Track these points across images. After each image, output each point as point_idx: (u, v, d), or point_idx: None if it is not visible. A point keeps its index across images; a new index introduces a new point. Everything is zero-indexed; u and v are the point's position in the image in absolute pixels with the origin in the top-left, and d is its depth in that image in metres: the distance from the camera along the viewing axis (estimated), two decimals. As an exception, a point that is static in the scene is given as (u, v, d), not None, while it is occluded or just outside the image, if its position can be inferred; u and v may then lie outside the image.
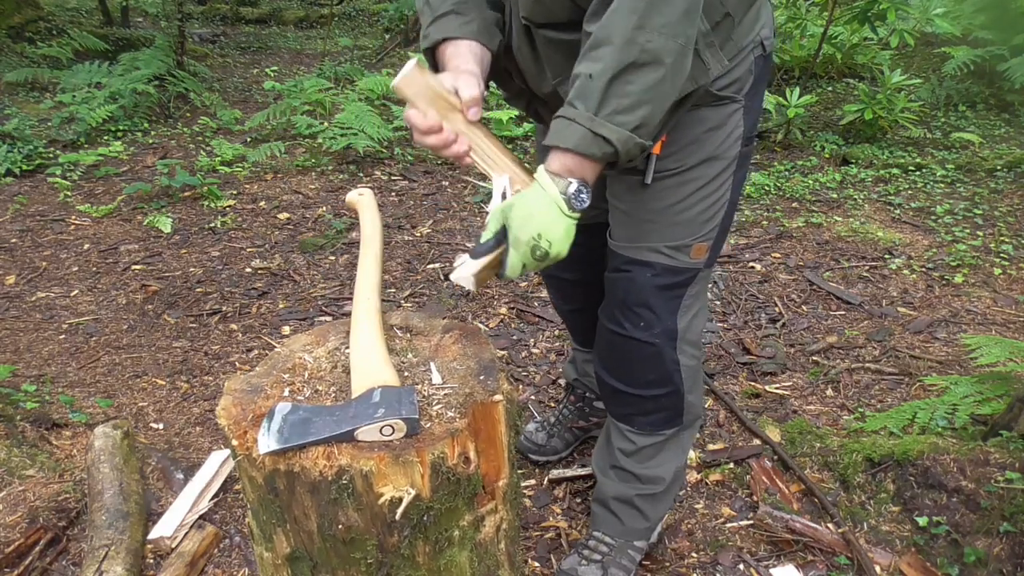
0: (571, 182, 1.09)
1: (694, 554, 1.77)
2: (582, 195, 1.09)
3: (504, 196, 1.18)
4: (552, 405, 2.33)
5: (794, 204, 3.90)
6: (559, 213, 1.09)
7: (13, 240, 3.54)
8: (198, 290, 3.08)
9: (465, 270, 1.11)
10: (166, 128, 5.21)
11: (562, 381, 2.36)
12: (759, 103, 1.38)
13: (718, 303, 2.93)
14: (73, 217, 3.79)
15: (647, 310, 1.41)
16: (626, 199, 1.39)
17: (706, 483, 1.98)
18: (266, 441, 1.00)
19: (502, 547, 1.19)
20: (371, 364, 1.12)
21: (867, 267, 3.20)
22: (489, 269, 1.13)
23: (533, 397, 2.38)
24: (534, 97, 1.39)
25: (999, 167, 4.20)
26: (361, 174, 4.38)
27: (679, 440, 1.61)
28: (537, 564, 1.75)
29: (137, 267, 3.29)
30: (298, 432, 1.01)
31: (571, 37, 1.17)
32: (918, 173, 4.24)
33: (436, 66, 1.25)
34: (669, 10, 1.00)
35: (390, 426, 1.01)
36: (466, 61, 1.20)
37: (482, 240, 1.13)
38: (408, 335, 1.30)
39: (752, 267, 3.22)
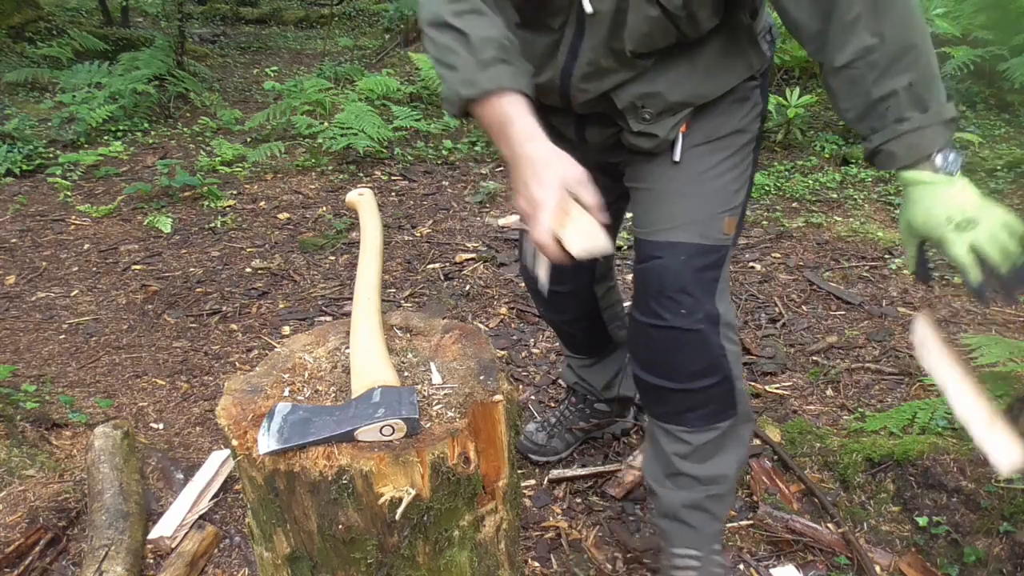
0: (933, 158, 1.09)
1: (694, 554, 1.77)
2: (953, 156, 1.09)
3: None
4: (552, 405, 2.33)
5: (794, 204, 3.90)
6: (948, 185, 1.08)
7: (13, 240, 3.54)
8: (198, 290, 3.08)
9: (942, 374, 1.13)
10: (166, 128, 5.21)
11: (562, 381, 2.36)
12: (767, 84, 1.43)
13: (718, 303, 2.93)
14: (73, 217, 3.79)
15: (686, 295, 1.35)
16: (654, 178, 1.38)
17: (706, 483, 1.98)
18: (266, 441, 1.00)
19: (502, 547, 1.19)
20: (371, 364, 1.12)
21: (867, 267, 3.20)
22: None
23: (533, 397, 2.37)
24: (553, 111, 1.36)
25: (999, 167, 4.20)
26: (361, 174, 4.38)
27: (736, 433, 1.49)
28: (537, 564, 1.75)
29: (137, 267, 3.29)
30: (298, 432, 1.01)
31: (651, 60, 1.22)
32: (918, 173, 4.23)
33: (466, 113, 1.16)
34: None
35: (390, 426, 1.01)
36: (532, 123, 1.10)
37: (912, 267, 1.18)
38: (408, 335, 1.29)
39: (752, 267, 3.22)
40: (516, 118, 1.10)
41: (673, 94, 1.27)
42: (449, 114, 1.21)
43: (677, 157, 1.33)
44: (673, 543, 1.60)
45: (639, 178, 1.42)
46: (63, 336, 2.76)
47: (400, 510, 1.00)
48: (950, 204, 1.08)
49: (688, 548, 1.58)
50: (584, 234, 1.03)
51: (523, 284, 3.06)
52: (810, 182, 4.13)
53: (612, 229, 1.62)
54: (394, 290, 3.06)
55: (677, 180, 1.35)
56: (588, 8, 1.15)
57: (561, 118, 1.38)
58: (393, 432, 1.01)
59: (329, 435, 1.00)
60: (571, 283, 1.70)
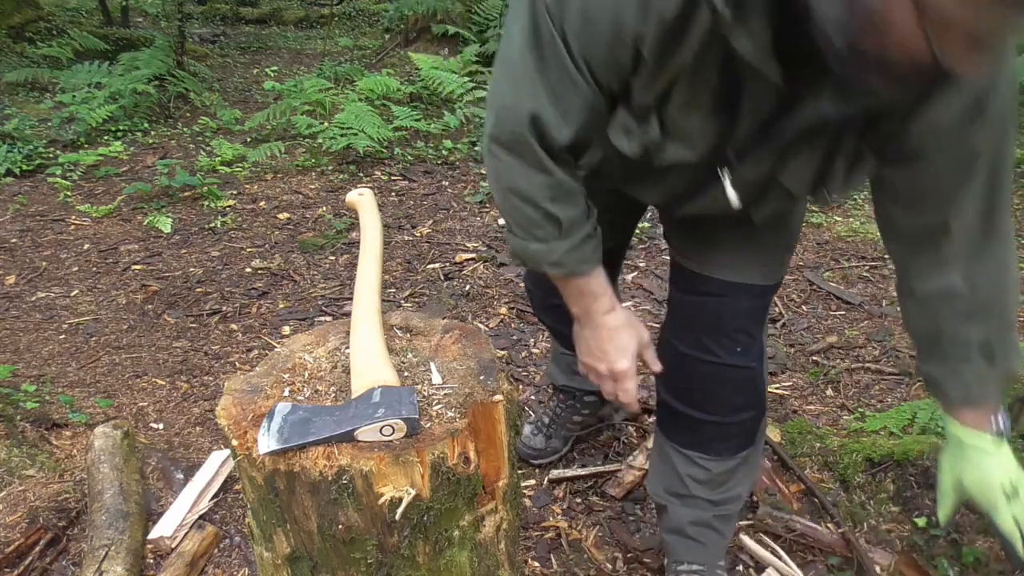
0: (991, 420, 1.10)
1: (694, 554, 1.77)
2: (1004, 418, 1.11)
3: None
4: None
5: (794, 204, 3.90)
6: (999, 451, 1.10)
7: (13, 240, 3.54)
8: (198, 290, 3.08)
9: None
10: (166, 128, 5.21)
11: (551, 381, 2.26)
12: None
13: (718, 303, 2.93)
14: (73, 217, 3.79)
15: (745, 334, 1.30)
16: (722, 222, 1.27)
17: (706, 483, 1.98)
18: (266, 441, 1.00)
19: (502, 547, 1.19)
20: (371, 364, 1.12)
21: (867, 267, 3.20)
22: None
23: (533, 397, 2.37)
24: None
25: (999, 167, 4.19)
26: (361, 174, 4.38)
27: (750, 459, 1.47)
28: (537, 564, 1.75)
29: (137, 267, 3.29)
30: (298, 432, 1.01)
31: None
32: (918, 173, 4.23)
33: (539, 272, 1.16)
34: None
35: (390, 426, 1.01)
36: (611, 295, 1.15)
37: (946, 520, 1.19)
38: (408, 335, 1.29)
39: (752, 267, 3.22)
40: (599, 294, 1.14)
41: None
42: (513, 263, 1.21)
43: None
44: (678, 557, 1.58)
45: (699, 216, 1.31)
46: (63, 336, 2.76)
47: (400, 510, 1.00)
48: (1002, 472, 1.09)
49: (693, 563, 1.57)
50: None
51: (523, 284, 3.06)
52: (810, 182, 4.13)
53: (624, 247, 1.62)
54: (394, 290, 3.06)
55: (751, 226, 1.25)
56: (735, 203, 1.07)
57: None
58: (393, 432, 1.01)
59: (329, 435, 1.00)
60: None
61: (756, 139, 0.99)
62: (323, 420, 1.03)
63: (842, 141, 0.99)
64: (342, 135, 4.41)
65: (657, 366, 1.24)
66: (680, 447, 1.44)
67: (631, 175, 1.18)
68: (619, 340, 1.15)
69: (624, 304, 2.98)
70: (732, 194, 1.05)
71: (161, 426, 2.27)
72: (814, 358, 2.55)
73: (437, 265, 3.28)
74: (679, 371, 1.36)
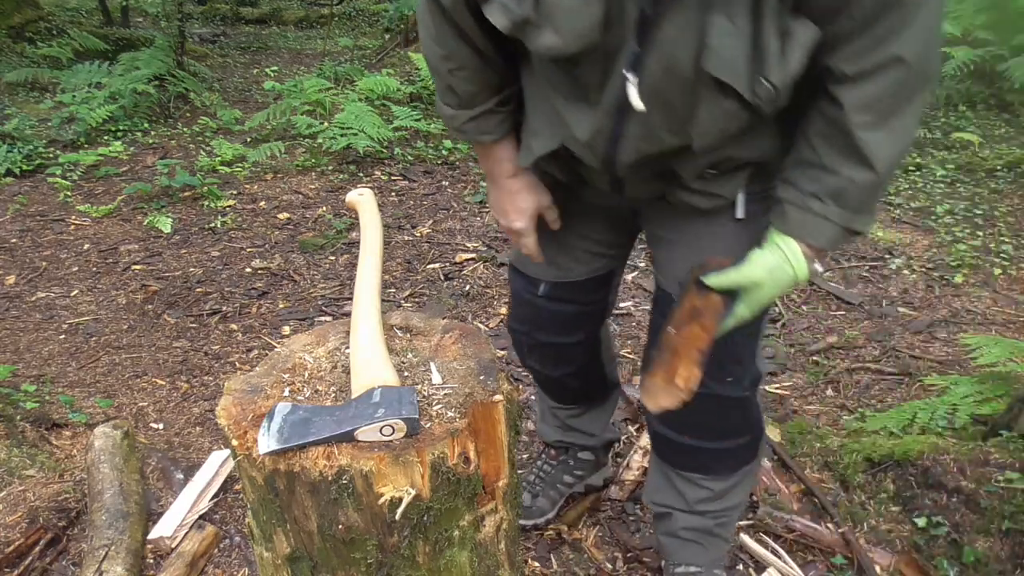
0: (816, 264, 1.11)
1: (694, 554, 1.76)
2: (818, 266, 1.12)
3: None
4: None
5: (794, 204, 3.89)
6: (792, 283, 1.11)
7: (13, 240, 3.54)
8: (198, 290, 3.08)
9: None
10: (166, 128, 5.21)
11: (540, 439, 1.98)
12: None
13: (718, 303, 2.92)
14: (73, 217, 3.79)
15: (736, 364, 1.27)
16: (710, 237, 1.21)
17: (706, 483, 1.98)
18: (266, 441, 1.00)
19: (502, 547, 1.19)
20: (371, 364, 1.12)
21: (867, 267, 3.20)
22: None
23: (533, 397, 2.37)
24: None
25: (999, 167, 4.20)
26: (361, 174, 4.38)
27: (752, 472, 1.48)
28: (537, 564, 1.75)
29: (137, 267, 3.29)
30: (298, 432, 1.01)
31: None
32: (918, 173, 4.24)
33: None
34: (914, 126, 1.03)
35: (390, 426, 1.01)
36: (514, 162, 1.26)
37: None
38: (408, 335, 1.29)
39: (752, 267, 3.22)
40: (502, 159, 1.27)
41: (746, 153, 1.11)
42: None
43: (741, 214, 1.18)
44: (675, 559, 1.58)
45: (686, 233, 1.25)
46: (63, 336, 2.76)
47: (400, 510, 1.00)
48: (782, 277, 1.10)
49: (691, 565, 1.56)
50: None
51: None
52: (810, 182, 4.12)
53: (617, 272, 1.55)
54: (394, 290, 3.06)
55: (740, 240, 1.17)
56: (637, 105, 0.99)
57: (595, 174, 1.21)
58: (393, 432, 1.01)
59: (329, 435, 1.00)
60: (582, 331, 1.55)
61: (658, 6, 0.91)
62: (323, 420, 1.03)
63: (761, 6, 0.90)
64: (342, 135, 4.41)
65: (556, 225, 1.33)
66: (680, 469, 1.44)
67: (559, 91, 1.12)
68: (518, 202, 1.28)
69: (624, 304, 2.98)
70: (636, 99, 0.98)
71: (161, 426, 2.27)
72: (814, 358, 2.55)
73: (437, 265, 3.28)
74: None
